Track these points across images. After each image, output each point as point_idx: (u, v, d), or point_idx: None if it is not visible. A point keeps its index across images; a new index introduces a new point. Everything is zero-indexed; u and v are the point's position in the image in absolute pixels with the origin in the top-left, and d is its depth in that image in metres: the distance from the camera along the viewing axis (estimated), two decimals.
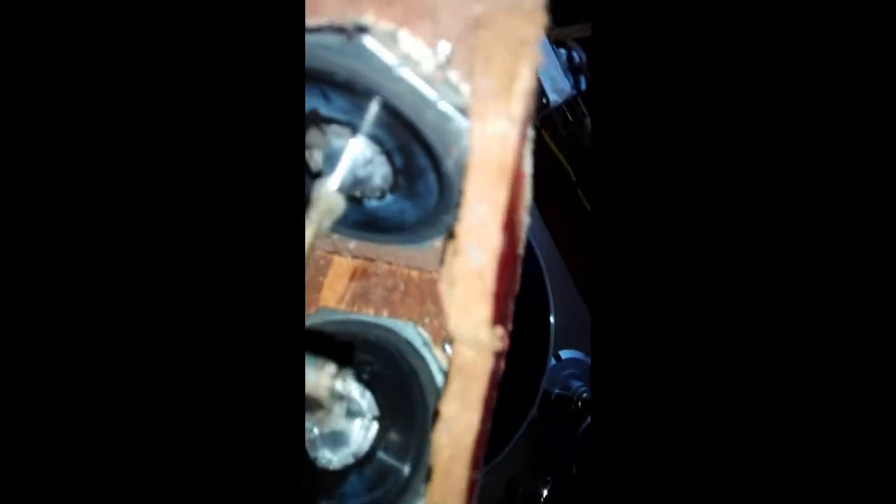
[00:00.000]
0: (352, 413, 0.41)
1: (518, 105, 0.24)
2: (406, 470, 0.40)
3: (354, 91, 0.29)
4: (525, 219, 0.31)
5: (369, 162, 0.35)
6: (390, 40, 0.26)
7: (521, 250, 0.32)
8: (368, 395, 0.42)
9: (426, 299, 0.47)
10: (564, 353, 1.02)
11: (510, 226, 0.26)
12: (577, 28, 0.83)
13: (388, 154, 0.34)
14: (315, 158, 0.37)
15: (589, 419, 0.92)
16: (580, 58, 0.85)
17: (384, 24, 0.26)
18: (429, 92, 0.27)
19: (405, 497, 0.39)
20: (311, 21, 0.26)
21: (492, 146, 0.25)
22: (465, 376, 0.28)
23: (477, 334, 0.26)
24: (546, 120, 0.86)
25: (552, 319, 0.91)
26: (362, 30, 0.25)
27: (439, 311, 0.46)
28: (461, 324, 0.26)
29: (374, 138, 0.34)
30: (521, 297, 0.35)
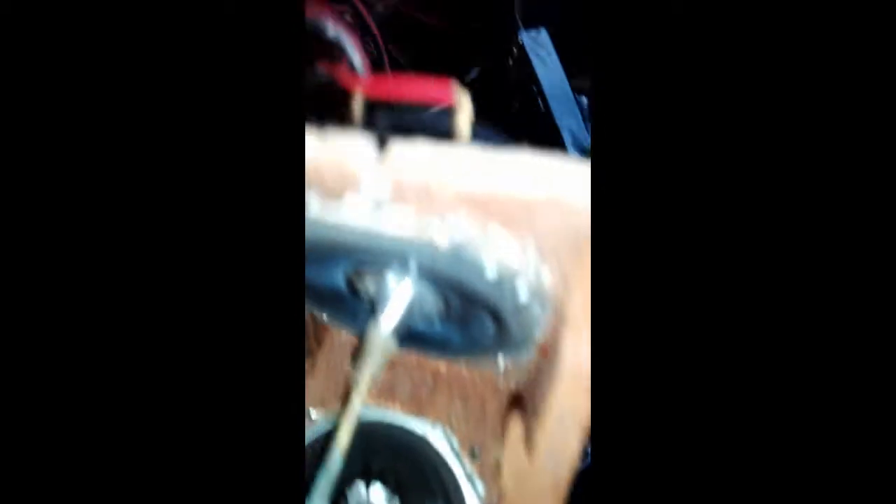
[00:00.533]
0: None
1: None
2: None
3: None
4: None
5: (424, 301, 0.35)
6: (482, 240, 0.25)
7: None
8: (397, 499, 0.43)
9: (454, 397, 0.48)
10: None
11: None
12: None
13: (445, 300, 0.34)
14: (368, 288, 0.36)
15: None
16: None
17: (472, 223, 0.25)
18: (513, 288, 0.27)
19: None
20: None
21: (586, 365, 0.25)
22: None
23: None
24: None
25: None
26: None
27: (468, 413, 0.47)
28: None
29: (435, 290, 0.33)
30: None
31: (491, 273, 0.26)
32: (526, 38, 0.60)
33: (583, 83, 0.82)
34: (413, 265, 0.31)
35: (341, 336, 0.52)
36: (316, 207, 0.28)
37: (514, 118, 0.60)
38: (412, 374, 0.50)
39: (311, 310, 0.43)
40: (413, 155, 0.22)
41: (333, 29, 0.30)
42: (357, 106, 0.30)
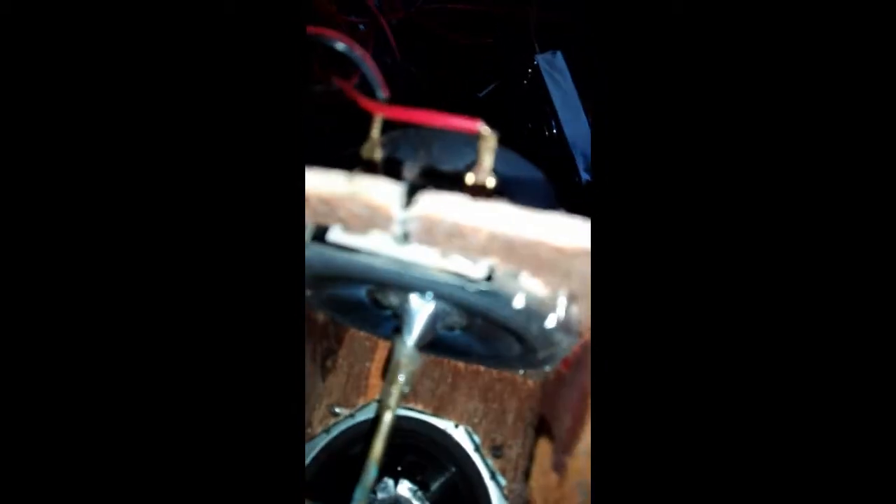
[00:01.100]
0: None
1: None
2: None
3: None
4: None
5: (447, 315, 0.35)
6: (512, 279, 0.25)
7: None
8: (422, 495, 0.44)
9: (474, 396, 0.48)
10: None
11: None
12: None
13: (469, 317, 0.34)
14: (391, 301, 0.36)
15: None
16: None
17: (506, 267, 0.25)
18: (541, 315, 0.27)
19: None
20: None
21: None
22: None
23: None
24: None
25: None
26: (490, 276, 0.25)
27: (488, 411, 0.48)
28: None
29: (459, 311, 0.33)
30: None
31: (518, 303, 0.26)
32: (541, 60, 0.58)
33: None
34: (435, 292, 0.31)
35: (359, 334, 0.53)
36: (340, 238, 0.28)
37: (526, 139, 0.59)
38: (431, 371, 0.51)
39: (332, 317, 0.44)
40: (444, 201, 0.21)
41: (345, 45, 0.29)
42: (376, 129, 0.29)
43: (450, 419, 0.48)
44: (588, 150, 0.56)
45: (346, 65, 0.34)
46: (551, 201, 0.32)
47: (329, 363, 0.50)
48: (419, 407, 0.48)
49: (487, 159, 0.25)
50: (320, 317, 0.44)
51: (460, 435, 0.46)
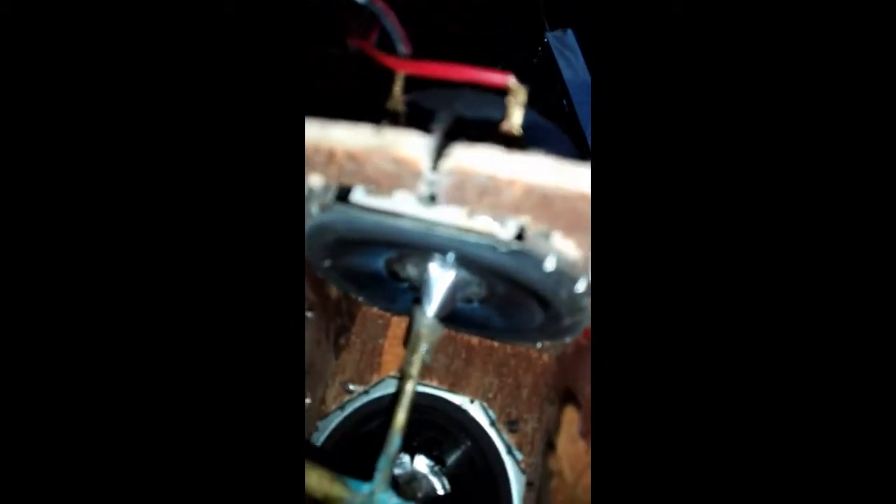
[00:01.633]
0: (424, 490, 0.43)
1: None
2: None
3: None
4: None
5: (465, 285, 0.34)
6: (543, 238, 0.25)
7: None
8: (439, 470, 0.44)
9: (488, 371, 0.48)
10: None
11: None
12: None
13: (489, 287, 0.33)
14: (409, 273, 0.35)
15: None
16: None
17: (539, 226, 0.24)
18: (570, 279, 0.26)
19: None
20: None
21: None
22: None
23: None
24: None
25: None
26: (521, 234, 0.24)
27: (503, 386, 0.47)
28: None
29: (480, 278, 0.32)
30: None
31: (549, 264, 0.25)
32: (552, 38, 0.57)
33: None
34: (456, 255, 0.30)
35: (371, 311, 0.53)
36: (364, 199, 0.27)
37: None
38: (445, 346, 0.50)
39: (347, 291, 0.43)
40: (479, 153, 0.21)
41: None
42: (398, 86, 0.28)
43: (465, 394, 0.47)
44: None
45: (362, 27, 0.33)
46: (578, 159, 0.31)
47: (342, 340, 0.50)
48: (434, 383, 0.48)
49: (517, 114, 0.24)
50: (333, 293, 0.44)
51: (476, 410, 0.46)
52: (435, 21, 0.59)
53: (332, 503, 0.30)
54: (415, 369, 0.32)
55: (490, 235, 0.24)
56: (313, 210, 0.27)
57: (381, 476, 0.30)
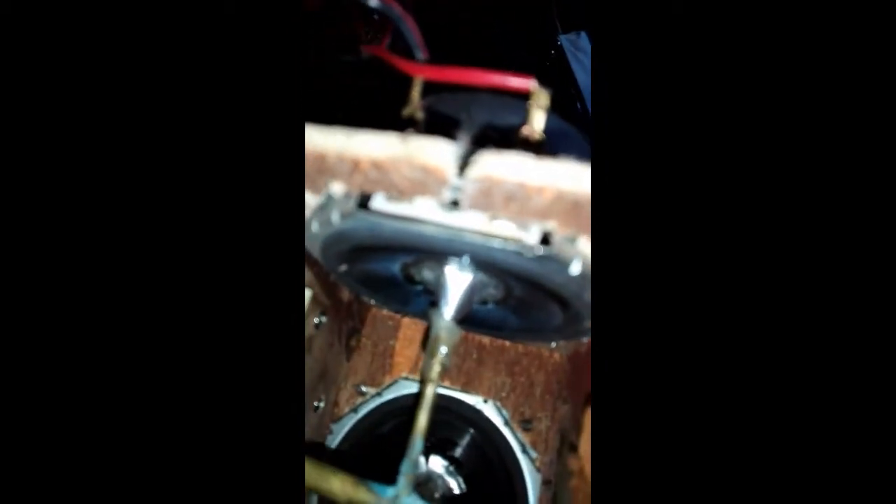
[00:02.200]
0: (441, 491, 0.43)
1: None
2: None
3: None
4: None
5: (482, 287, 0.34)
6: (569, 243, 0.25)
7: None
8: (454, 470, 0.44)
9: (500, 370, 0.48)
10: None
11: None
12: None
13: (506, 288, 0.33)
14: (424, 277, 0.35)
15: None
16: None
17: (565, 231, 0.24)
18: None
19: None
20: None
21: None
22: None
23: None
24: None
25: None
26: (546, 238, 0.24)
27: (515, 385, 0.47)
28: None
29: (498, 280, 0.32)
30: None
31: (575, 269, 0.25)
32: (565, 41, 0.56)
33: None
34: (475, 258, 0.30)
35: (382, 312, 0.52)
36: (385, 206, 0.27)
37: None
38: (457, 348, 0.51)
39: (361, 294, 0.43)
40: (507, 160, 0.21)
41: (380, 2, 0.28)
42: (416, 92, 0.28)
43: (478, 394, 0.47)
44: None
45: (372, 33, 0.32)
46: None
47: (353, 342, 0.49)
48: (447, 384, 0.48)
49: (539, 118, 0.24)
50: (345, 295, 0.44)
51: (489, 410, 0.46)
52: (435, 21, 0.59)
53: None
54: (434, 373, 0.32)
55: (516, 241, 0.24)
56: (334, 217, 0.27)
57: (405, 480, 0.30)
